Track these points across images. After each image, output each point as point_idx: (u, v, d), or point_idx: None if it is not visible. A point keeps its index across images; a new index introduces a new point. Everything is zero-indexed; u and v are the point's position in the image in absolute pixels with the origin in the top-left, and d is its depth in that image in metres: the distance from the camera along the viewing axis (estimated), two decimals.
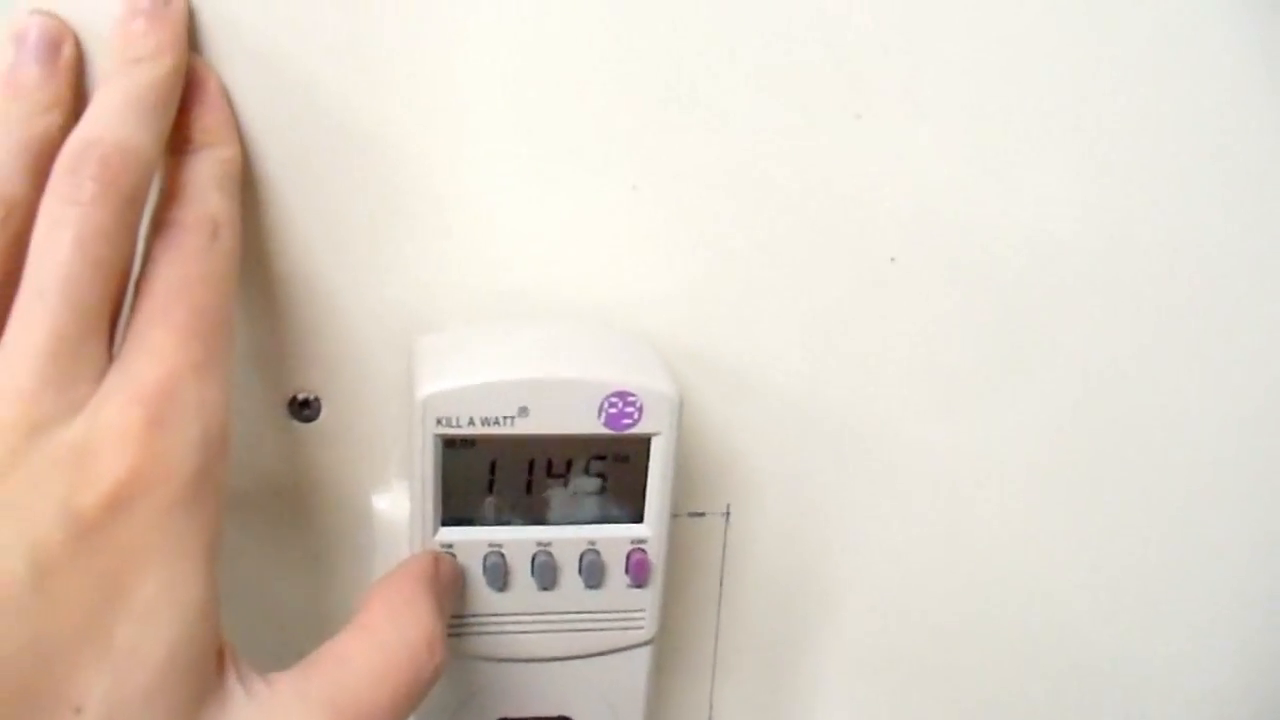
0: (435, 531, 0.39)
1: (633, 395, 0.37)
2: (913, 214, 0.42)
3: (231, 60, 0.36)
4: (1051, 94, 0.41)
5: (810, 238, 0.42)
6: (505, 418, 0.37)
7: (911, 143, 0.41)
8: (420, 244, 0.40)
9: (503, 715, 0.42)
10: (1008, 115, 0.41)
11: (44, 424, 0.29)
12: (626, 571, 0.40)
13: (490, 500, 0.39)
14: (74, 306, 0.30)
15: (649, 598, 0.41)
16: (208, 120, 0.36)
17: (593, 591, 0.40)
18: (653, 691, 0.44)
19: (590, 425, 0.38)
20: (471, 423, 0.37)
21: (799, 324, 0.43)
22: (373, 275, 0.40)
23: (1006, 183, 0.42)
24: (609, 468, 0.39)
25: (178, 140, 0.35)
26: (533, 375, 0.37)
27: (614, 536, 0.40)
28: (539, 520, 0.39)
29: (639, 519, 0.40)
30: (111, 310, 0.32)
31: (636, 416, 0.38)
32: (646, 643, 0.42)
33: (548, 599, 0.40)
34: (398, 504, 0.42)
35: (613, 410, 0.37)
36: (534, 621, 0.40)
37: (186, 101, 0.35)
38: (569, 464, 0.39)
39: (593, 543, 0.40)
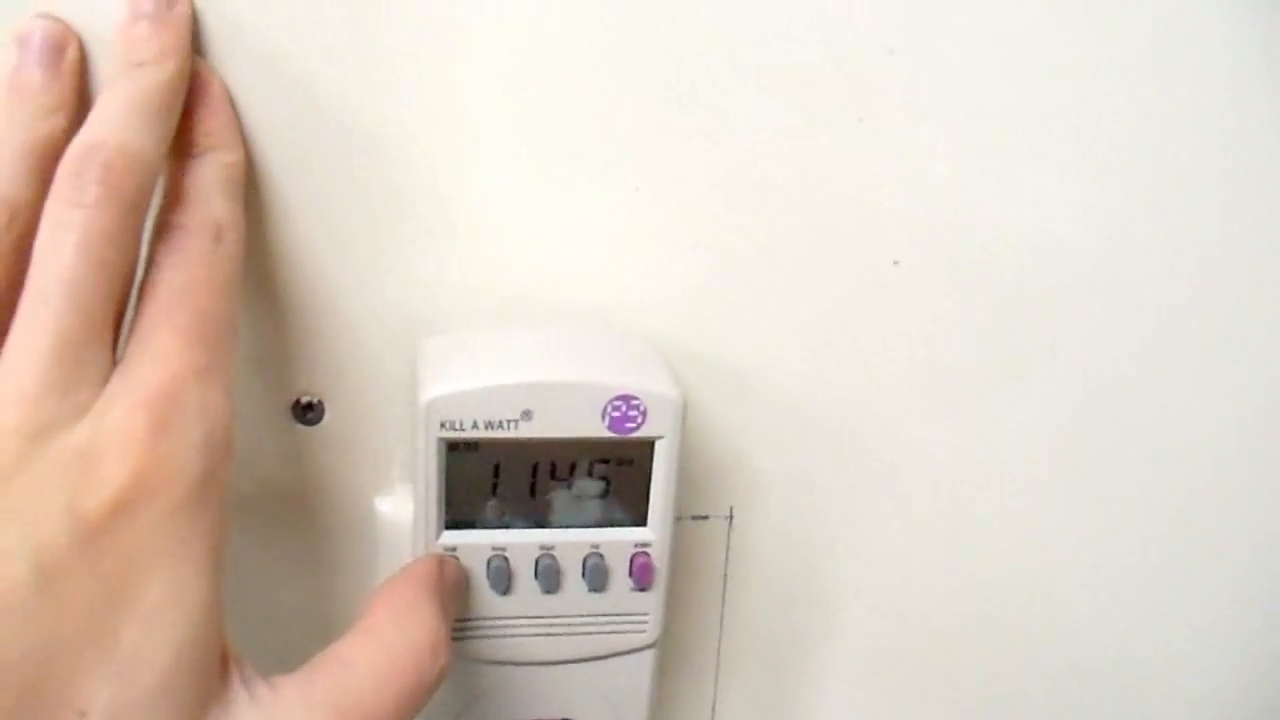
0: (438, 535, 0.39)
1: (636, 398, 0.37)
2: (915, 216, 0.42)
3: (235, 64, 0.36)
4: (1053, 95, 0.41)
5: (813, 240, 0.42)
6: (509, 421, 0.37)
7: (913, 145, 0.41)
8: (423, 246, 0.40)
9: (506, 718, 0.42)
10: (1009, 117, 0.41)
11: (48, 428, 0.29)
12: (630, 575, 0.40)
13: (494, 503, 0.39)
14: (78, 310, 0.30)
15: (652, 601, 0.41)
16: (211, 124, 0.35)
17: (596, 595, 0.40)
18: (656, 694, 0.43)
19: (594, 428, 0.37)
20: (475, 426, 0.37)
21: (802, 326, 0.43)
22: (376, 278, 0.40)
23: (1008, 184, 0.42)
24: (612, 471, 0.39)
25: (181, 144, 0.35)
26: (536, 378, 0.37)
27: (617, 540, 0.40)
28: (542, 523, 0.39)
29: (642, 522, 0.40)
30: (115, 314, 0.32)
31: (640, 420, 0.38)
32: (650, 646, 0.42)
33: (551, 602, 0.40)
34: (401, 507, 0.42)
35: (616, 413, 0.37)
36: (537, 625, 0.40)
37: (190, 105, 0.35)
38: (572, 467, 0.39)
39: (596, 546, 0.40)
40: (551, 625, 0.40)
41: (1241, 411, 0.48)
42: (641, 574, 0.40)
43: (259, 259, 0.39)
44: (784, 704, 0.51)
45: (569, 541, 0.39)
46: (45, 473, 0.29)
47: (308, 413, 0.42)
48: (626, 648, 0.41)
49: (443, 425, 0.37)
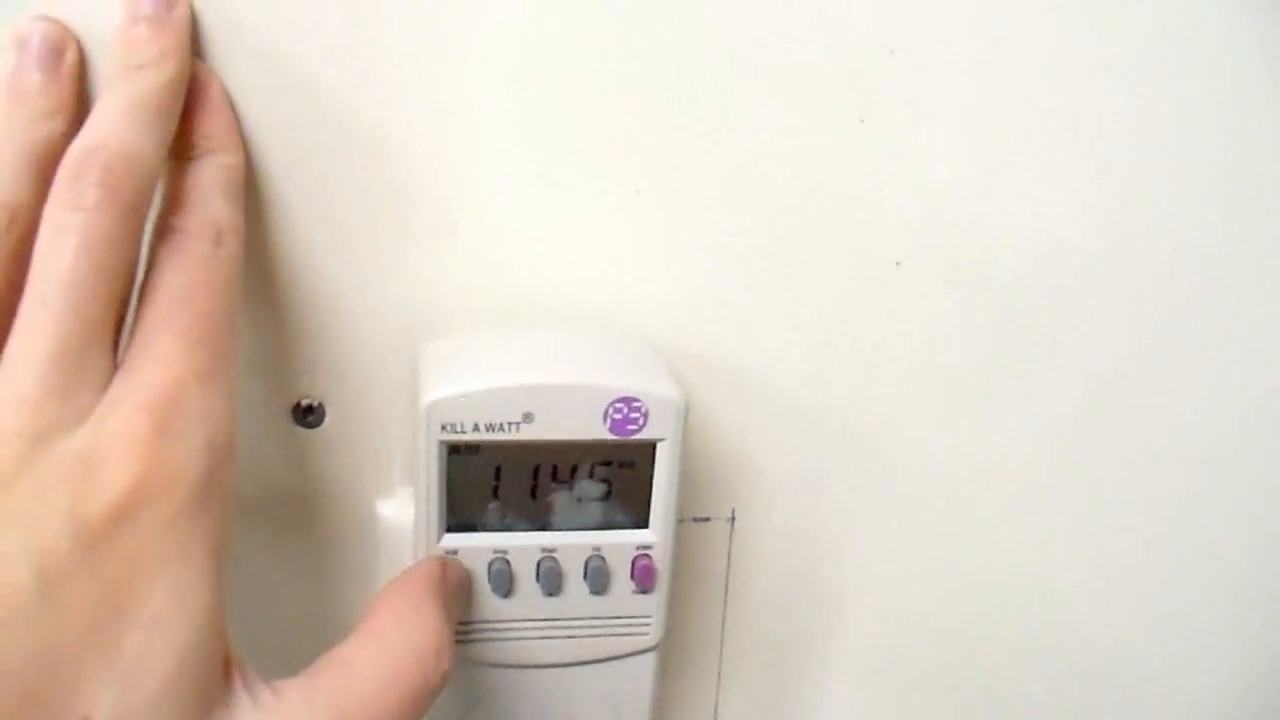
0: (440, 538, 0.39)
1: (638, 401, 0.37)
2: (916, 217, 0.42)
3: (235, 66, 0.36)
4: (1053, 95, 0.41)
5: (814, 241, 0.42)
6: (510, 424, 0.37)
7: (914, 145, 0.41)
8: (424, 249, 0.40)
9: None
10: (1010, 117, 0.41)
11: (49, 432, 0.29)
12: (632, 577, 0.40)
13: (495, 506, 0.39)
14: (78, 313, 0.30)
15: (654, 603, 0.41)
16: (211, 126, 0.35)
17: (598, 597, 0.40)
18: (658, 697, 0.43)
19: (595, 431, 0.37)
20: (476, 429, 0.37)
21: (803, 328, 0.43)
22: (376, 280, 0.40)
23: (1009, 185, 0.42)
24: (614, 473, 0.39)
25: (181, 146, 0.35)
26: (537, 381, 0.37)
27: (619, 542, 0.40)
28: (544, 526, 0.39)
29: (644, 525, 0.40)
30: (116, 317, 0.31)
31: (641, 422, 0.38)
32: (652, 649, 0.42)
33: (553, 605, 0.40)
34: (402, 510, 0.42)
35: (618, 416, 0.37)
36: (539, 627, 0.40)
37: (189, 107, 0.35)
38: (574, 470, 0.39)
39: (598, 549, 0.39)
40: (553, 628, 0.40)
41: (1242, 412, 0.48)
42: (643, 576, 0.40)
43: (259, 261, 0.39)
44: (786, 706, 0.51)
45: (570, 544, 0.39)
46: (47, 478, 0.29)
47: (308, 415, 0.42)
48: (628, 650, 0.41)
49: (444, 428, 0.36)
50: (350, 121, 0.38)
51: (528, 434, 0.37)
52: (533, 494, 0.39)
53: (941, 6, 0.39)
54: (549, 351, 0.39)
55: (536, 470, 0.38)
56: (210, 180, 0.35)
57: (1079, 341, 0.45)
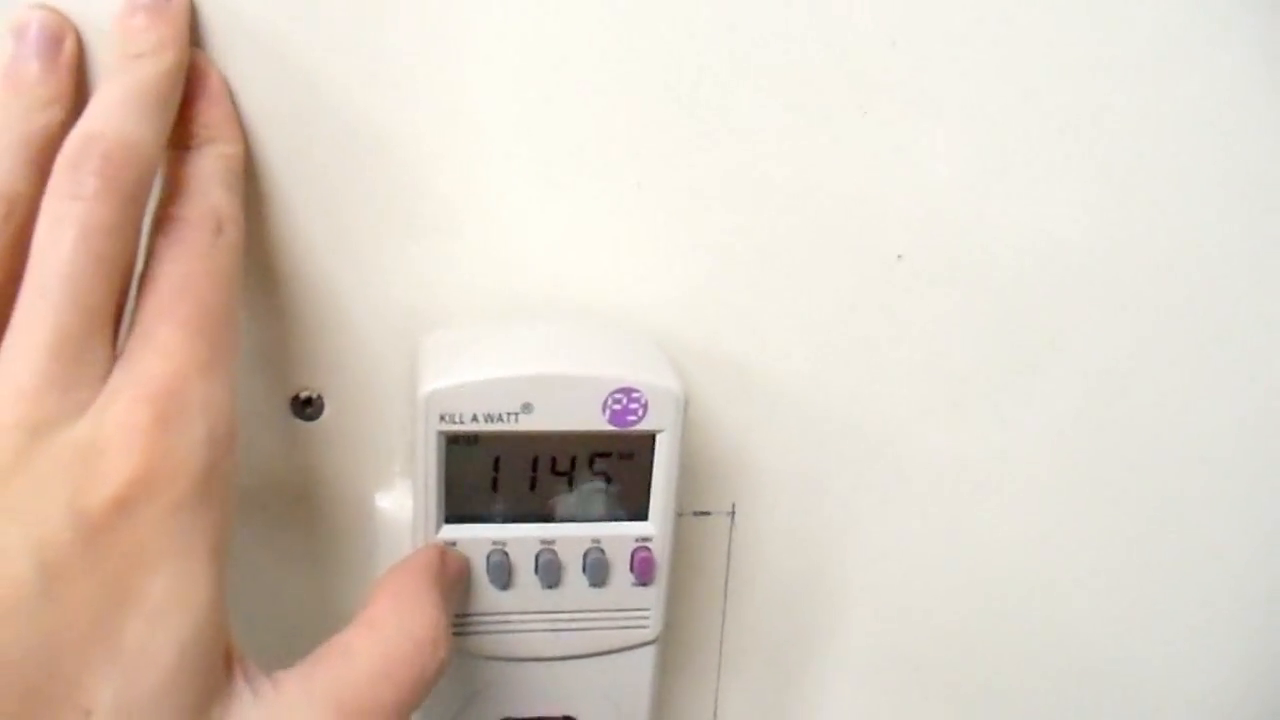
0: (438, 529, 0.38)
1: (637, 391, 0.37)
2: (918, 212, 0.42)
3: (234, 55, 0.36)
4: (1055, 91, 0.41)
5: (815, 235, 0.42)
6: (509, 414, 0.37)
7: (916, 140, 0.41)
8: (423, 241, 0.40)
9: (506, 715, 0.42)
10: (1012, 112, 0.41)
11: (49, 424, 0.29)
12: (631, 570, 0.40)
13: (494, 498, 0.39)
14: (77, 303, 0.30)
15: (653, 596, 0.41)
16: (210, 116, 0.35)
17: (597, 590, 0.40)
18: (657, 691, 0.43)
19: (594, 422, 0.37)
20: (475, 419, 0.37)
21: (804, 322, 0.43)
22: (375, 273, 0.40)
23: (1011, 179, 0.42)
24: (613, 465, 0.39)
25: (180, 136, 0.35)
26: (536, 371, 0.37)
27: (618, 535, 0.40)
28: (543, 518, 0.39)
29: (643, 517, 0.40)
30: (115, 307, 0.31)
31: (641, 413, 0.37)
32: (651, 642, 0.42)
33: (552, 597, 0.40)
34: (401, 503, 0.42)
35: (617, 406, 0.37)
36: (538, 620, 0.40)
37: (189, 97, 0.35)
38: (573, 461, 0.39)
39: (597, 541, 0.39)
40: (552, 620, 0.40)
41: (1244, 410, 0.48)
42: (642, 569, 0.40)
43: (258, 253, 0.39)
44: (786, 701, 0.51)
45: (569, 536, 0.39)
46: (47, 469, 0.28)
47: (307, 408, 0.42)
48: (628, 643, 0.41)
49: (442, 418, 0.36)
50: (351, 114, 0.38)
51: (526, 425, 0.37)
52: (532, 485, 0.39)
53: (944, 2, 0.39)
54: (548, 342, 0.39)
55: (535, 461, 0.38)
56: (210, 170, 0.35)
57: (1080, 338, 0.45)
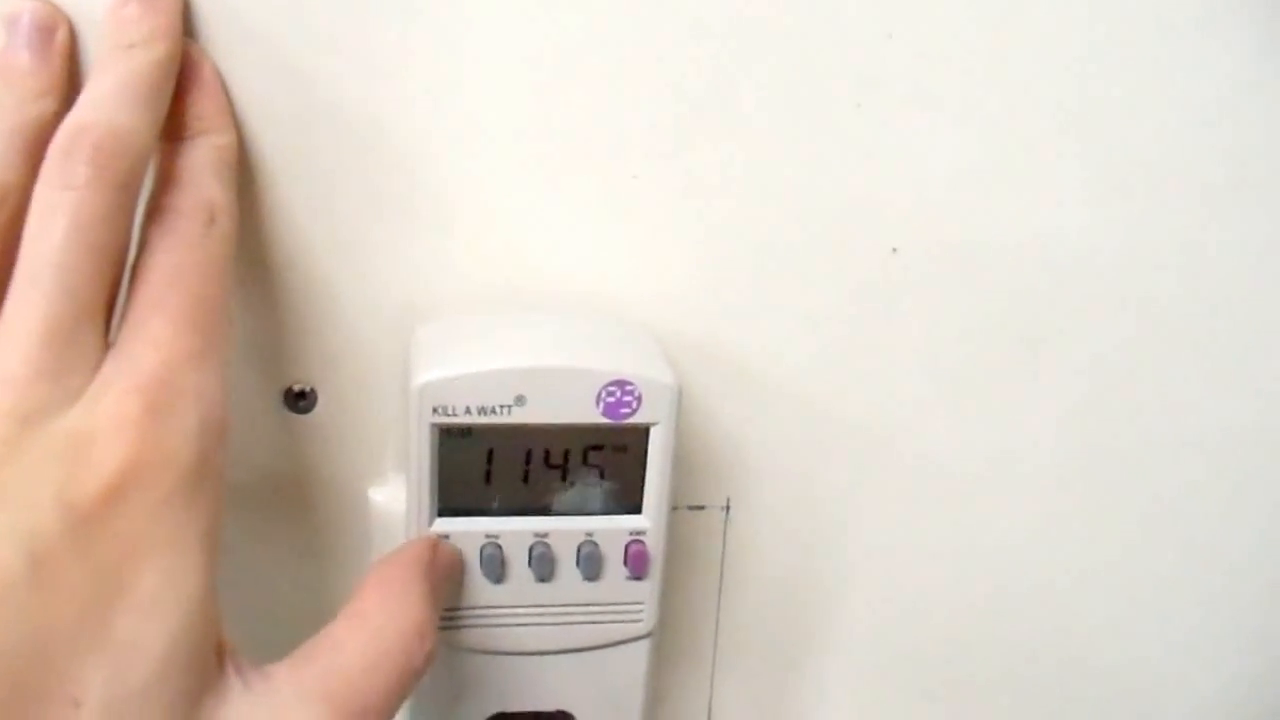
0: (432, 522, 0.38)
1: (631, 384, 0.37)
2: (913, 206, 0.42)
3: (227, 46, 0.36)
4: (1052, 82, 0.41)
5: (811, 228, 0.42)
6: (502, 406, 0.37)
7: (912, 134, 0.41)
8: (417, 233, 0.40)
9: (500, 709, 0.42)
10: (1009, 103, 0.41)
11: (40, 413, 0.29)
12: (625, 563, 0.40)
13: (487, 490, 0.39)
14: (69, 293, 0.30)
15: (647, 590, 0.40)
16: (203, 106, 0.35)
17: (591, 584, 0.40)
18: (652, 685, 0.43)
19: (588, 414, 0.37)
20: (468, 411, 0.36)
21: (800, 315, 0.43)
22: (369, 265, 0.40)
23: (1007, 171, 0.42)
24: (607, 458, 0.39)
25: (173, 127, 0.35)
26: (530, 364, 0.37)
27: (612, 528, 0.39)
28: (536, 511, 0.39)
29: (637, 510, 0.40)
30: (107, 297, 0.31)
31: (635, 406, 0.37)
32: (645, 636, 0.42)
33: (545, 591, 0.40)
34: (394, 496, 0.42)
35: (611, 399, 0.37)
36: (531, 614, 0.40)
37: (181, 88, 0.35)
38: (567, 454, 0.38)
39: (590, 534, 0.39)
40: (545, 614, 0.40)
41: (1244, 407, 0.47)
42: (636, 562, 0.40)
43: (251, 245, 0.39)
44: (781, 695, 0.51)
45: (563, 529, 0.39)
46: (37, 459, 0.28)
47: (300, 401, 0.42)
48: (622, 637, 0.41)
49: (435, 410, 0.36)
50: (346, 106, 0.37)
51: (520, 417, 0.37)
52: (525, 478, 0.39)
53: None
54: (542, 335, 0.39)
55: (529, 454, 0.38)
56: (203, 161, 0.35)
57: (1077, 334, 0.45)
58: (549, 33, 0.38)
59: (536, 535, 0.39)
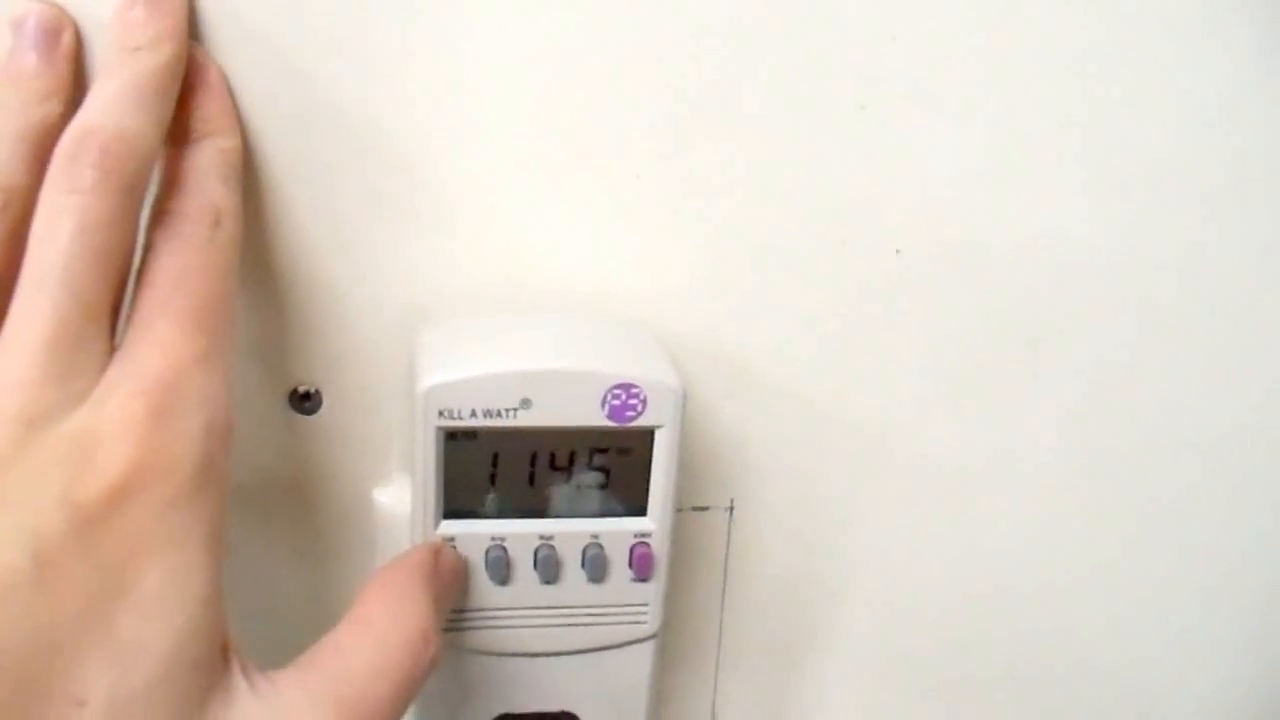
0: (437, 525, 0.38)
1: (636, 387, 0.37)
2: (917, 206, 0.42)
3: (232, 49, 0.36)
4: (1055, 83, 0.41)
5: (815, 229, 0.42)
6: (507, 409, 0.37)
7: (915, 133, 0.41)
8: (421, 234, 0.40)
9: (505, 710, 0.42)
10: (1012, 105, 0.41)
11: (45, 415, 0.29)
12: (630, 565, 0.40)
13: (492, 493, 0.39)
14: (75, 296, 0.30)
15: (652, 592, 0.40)
16: (208, 109, 0.35)
17: (595, 585, 0.40)
18: (656, 687, 0.43)
19: (593, 417, 0.37)
20: (473, 414, 0.36)
21: (803, 316, 0.43)
22: (373, 266, 0.40)
23: (1010, 172, 0.42)
24: (612, 460, 0.39)
25: (178, 130, 0.35)
26: (535, 367, 0.37)
27: (617, 530, 0.39)
28: (541, 513, 0.39)
29: (642, 512, 0.40)
30: (113, 300, 0.31)
31: (640, 408, 0.37)
32: (650, 638, 0.42)
33: (550, 593, 0.40)
34: (399, 498, 0.42)
35: (616, 402, 0.37)
36: (536, 616, 0.40)
37: (187, 91, 0.35)
38: (571, 456, 0.38)
39: (595, 536, 0.39)
40: (551, 616, 0.40)
41: (1245, 407, 0.47)
42: (641, 564, 0.40)
43: (256, 247, 0.39)
44: (784, 696, 0.51)
45: (568, 531, 0.39)
46: (43, 460, 0.29)
47: (305, 402, 0.42)
48: (626, 639, 0.41)
49: (441, 413, 0.36)
50: (349, 108, 0.37)
51: (525, 420, 0.37)
52: (530, 481, 0.39)
53: None
54: (547, 337, 0.39)
55: (534, 457, 0.38)
56: (208, 164, 0.35)
57: (1080, 332, 0.45)
58: (550, 33, 0.38)
59: (541, 538, 0.39)
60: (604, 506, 0.39)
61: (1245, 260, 0.44)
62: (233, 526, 0.32)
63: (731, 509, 0.46)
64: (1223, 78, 0.41)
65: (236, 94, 0.36)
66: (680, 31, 0.38)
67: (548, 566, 0.39)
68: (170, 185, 0.34)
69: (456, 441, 0.37)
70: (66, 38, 0.34)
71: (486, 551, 0.39)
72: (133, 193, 0.32)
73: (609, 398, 0.37)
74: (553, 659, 0.41)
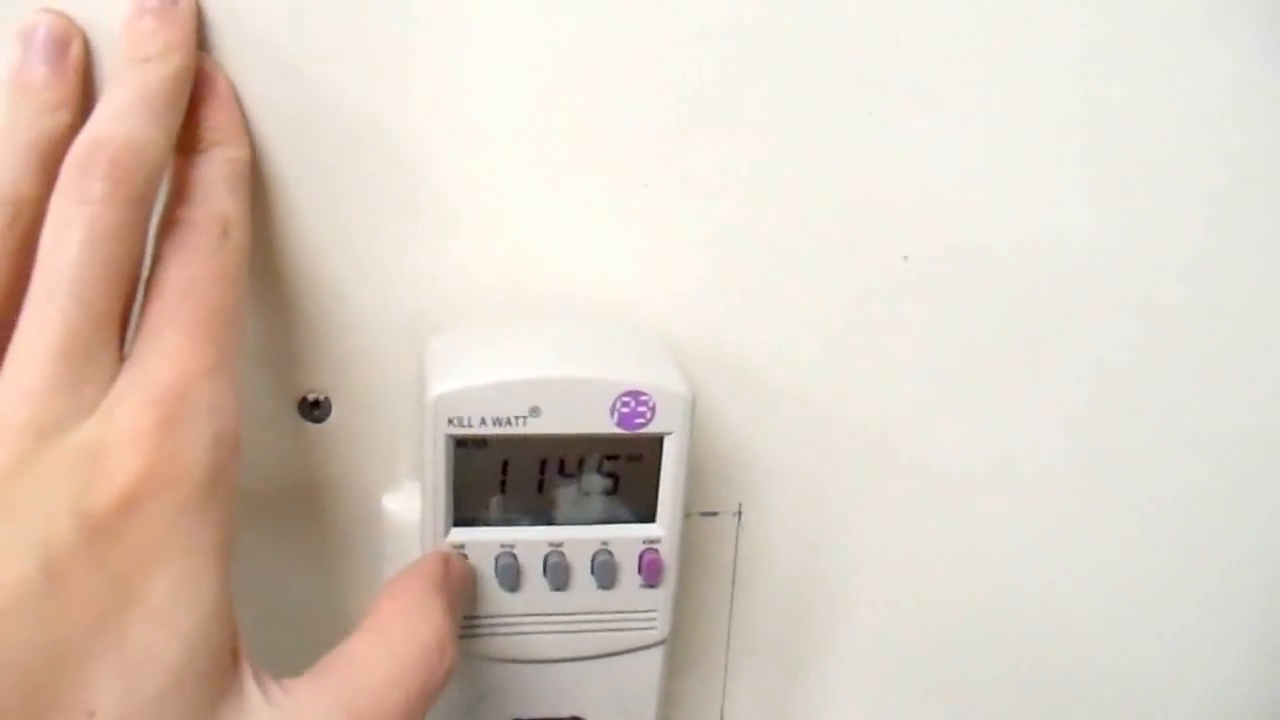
0: (446, 532, 0.38)
1: (645, 394, 0.37)
2: (925, 211, 0.42)
3: (240, 59, 0.36)
4: (1061, 89, 0.41)
5: (822, 235, 0.42)
6: (517, 417, 0.37)
7: (922, 139, 0.41)
8: (430, 242, 0.40)
9: (515, 716, 0.42)
10: (1018, 110, 0.41)
11: (55, 425, 0.29)
12: (639, 571, 0.40)
13: (502, 500, 0.39)
14: (84, 307, 0.30)
15: (661, 598, 0.41)
16: (217, 119, 0.35)
17: (605, 592, 0.40)
18: (665, 691, 0.43)
19: (602, 425, 0.37)
20: (483, 422, 0.37)
21: (811, 322, 0.43)
22: (382, 274, 0.40)
23: (1017, 178, 0.42)
24: (621, 467, 0.39)
25: (187, 139, 0.35)
26: (544, 374, 0.37)
27: (626, 536, 0.39)
28: (551, 520, 0.39)
29: (651, 519, 0.40)
30: (122, 310, 0.31)
31: (649, 416, 0.37)
32: (659, 643, 0.42)
33: (560, 599, 0.40)
34: (408, 505, 0.42)
35: (625, 409, 0.37)
36: (546, 622, 0.40)
37: (195, 100, 0.35)
38: (581, 463, 0.38)
39: (605, 543, 0.39)
40: (560, 622, 0.40)
41: (1247, 408, 0.47)
42: (650, 571, 0.40)
43: (265, 255, 0.39)
44: (793, 701, 0.51)
45: (577, 538, 0.39)
46: (53, 470, 0.29)
47: (315, 410, 0.42)
48: (635, 645, 0.41)
49: (450, 421, 0.36)
50: (357, 117, 0.38)
51: (534, 428, 0.37)
52: (540, 488, 0.39)
53: (948, 1, 0.39)
54: (556, 345, 0.39)
55: (543, 464, 0.38)
56: (216, 173, 0.35)
57: (1087, 335, 0.45)
58: (551, 34, 0.38)
59: (551, 545, 0.39)
60: (613, 513, 0.39)
61: (1246, 260, 0.44)
62: (243, 534, 0.32)
63: (740, 514, 0.46)
64: (1223, 78, 0.41)
65: (245, 104, 0.36)
66: (682, 32, 0.38)
67: (557, 573, 0.39)
68: (179, 195, 0.34)
69: (466, 449, 0.37)
70: (75, 49, 0.34)
71: (496, 559, 0.39)
72: (142, 203, 0.32)
73: (618, 405, 0.37)
74: (563, 665, 0.41)
